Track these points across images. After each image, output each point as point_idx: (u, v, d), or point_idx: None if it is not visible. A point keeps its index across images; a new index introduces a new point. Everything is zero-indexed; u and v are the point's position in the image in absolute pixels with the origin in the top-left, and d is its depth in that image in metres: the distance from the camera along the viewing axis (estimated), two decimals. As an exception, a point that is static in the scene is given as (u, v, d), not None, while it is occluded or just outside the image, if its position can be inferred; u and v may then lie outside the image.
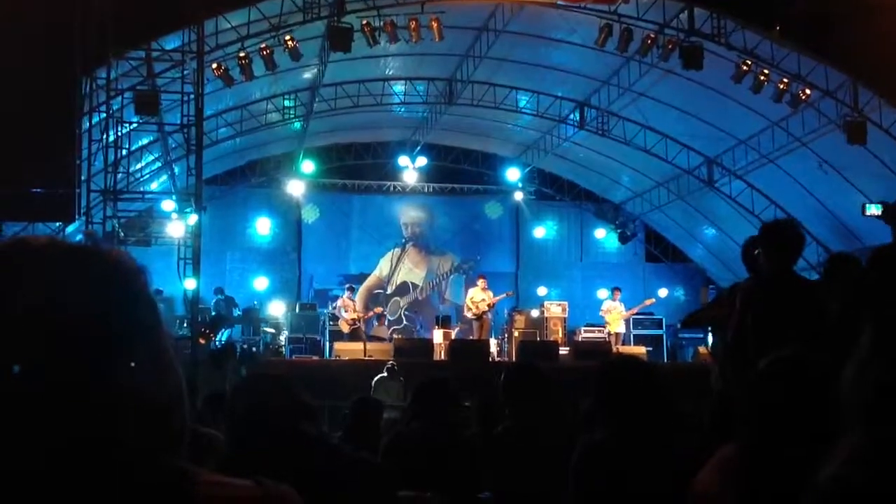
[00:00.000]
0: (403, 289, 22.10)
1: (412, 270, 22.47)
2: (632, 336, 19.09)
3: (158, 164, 17.98)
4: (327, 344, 17.67)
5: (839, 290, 5.12)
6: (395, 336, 18.33)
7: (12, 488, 0.95)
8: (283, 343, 17.61)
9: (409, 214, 22.56)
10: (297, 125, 19.72)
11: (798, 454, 1.93)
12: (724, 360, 5.53)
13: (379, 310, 19.77)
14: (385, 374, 12.30)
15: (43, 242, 1.05)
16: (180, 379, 1.08)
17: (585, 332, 18.93)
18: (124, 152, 14.89)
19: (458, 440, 4.43)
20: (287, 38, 14.43)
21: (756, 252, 5.53)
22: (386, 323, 19.57)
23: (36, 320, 0.97)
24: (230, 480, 1.08)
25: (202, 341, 14.15)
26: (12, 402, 0.95)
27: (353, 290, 18.73)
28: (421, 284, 22.25)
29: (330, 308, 18.51)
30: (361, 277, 21.67)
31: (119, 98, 14.13)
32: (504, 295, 18.30)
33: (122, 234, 14.60)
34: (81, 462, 0.96)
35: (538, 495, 3.94)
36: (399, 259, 22.34)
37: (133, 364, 1.00)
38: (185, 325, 14.83)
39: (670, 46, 14.96)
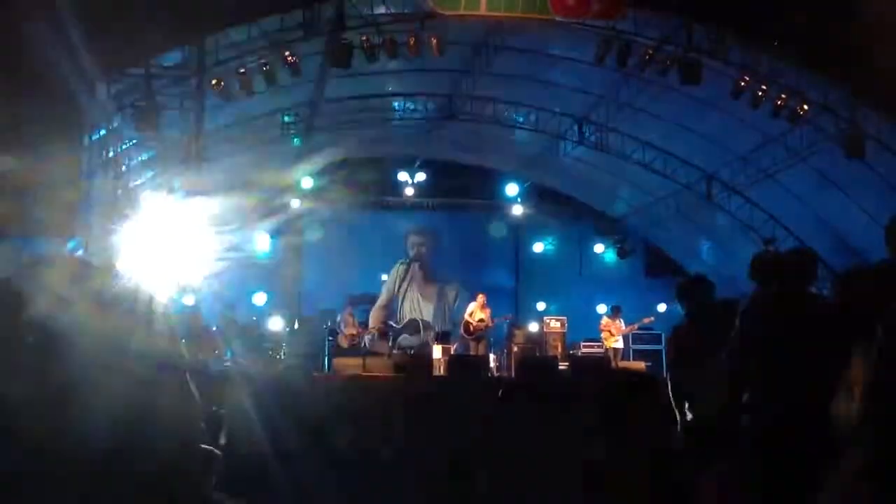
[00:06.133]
0: (413, 327, 21.26)
1: (420, 304, 21.97)
2: (631, 351, 19.05)
3: (158, 179, 17.96)
4: (326, 359, 17.63)
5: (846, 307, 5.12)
6: (394, 351, 18.27)
7: None
8: (282, 358, 17.54)
9: (413, 235, 22.38)
10: (297, 141, 19.73)
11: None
12: (723, 378, 5.52)
13: (375, 328, 19.63)
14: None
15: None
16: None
17: (584, 346, 18.90)
18: (124, 168, 14.94)
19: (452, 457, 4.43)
20: (287, 53, 14.47)
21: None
22: (389, 340, 19.36)
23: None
24: None
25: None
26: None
27: (353, 306, 18.66)
28: (432, 323, 21.51)
29: (329, 323, 18.48)
30: (366, 297, 21.51)
31: (119, 114, 14.17)
32: (503, 318, 18.25)
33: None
34: None
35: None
36: (404, 280, 22.07)
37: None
38: (182, 341, 14.78)
39: (669, 62, 15.00)
